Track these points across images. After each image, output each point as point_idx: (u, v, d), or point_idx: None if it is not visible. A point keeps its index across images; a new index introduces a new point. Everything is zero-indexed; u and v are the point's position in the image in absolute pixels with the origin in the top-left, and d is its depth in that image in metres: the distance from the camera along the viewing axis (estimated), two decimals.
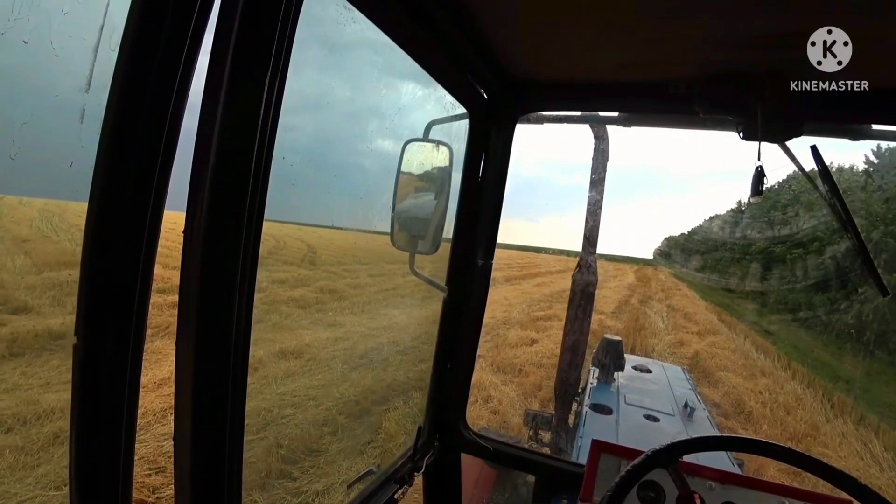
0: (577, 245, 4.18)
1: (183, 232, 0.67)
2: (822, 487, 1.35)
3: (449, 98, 1.51)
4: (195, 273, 0.68)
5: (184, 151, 0.65)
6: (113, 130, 0.59)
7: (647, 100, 1.48)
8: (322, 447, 5.46)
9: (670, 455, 1.29)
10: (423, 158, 1.62)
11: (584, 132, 3.61)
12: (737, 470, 2.87)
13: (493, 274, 1.77)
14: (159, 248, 0.65)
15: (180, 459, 0.73)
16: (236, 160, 0.68)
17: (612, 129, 3.67)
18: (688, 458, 1.33)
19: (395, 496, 1.55)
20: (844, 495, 1.23)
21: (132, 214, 0.61)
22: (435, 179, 1.62)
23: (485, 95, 1.56)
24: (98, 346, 0.62)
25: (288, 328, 9.76)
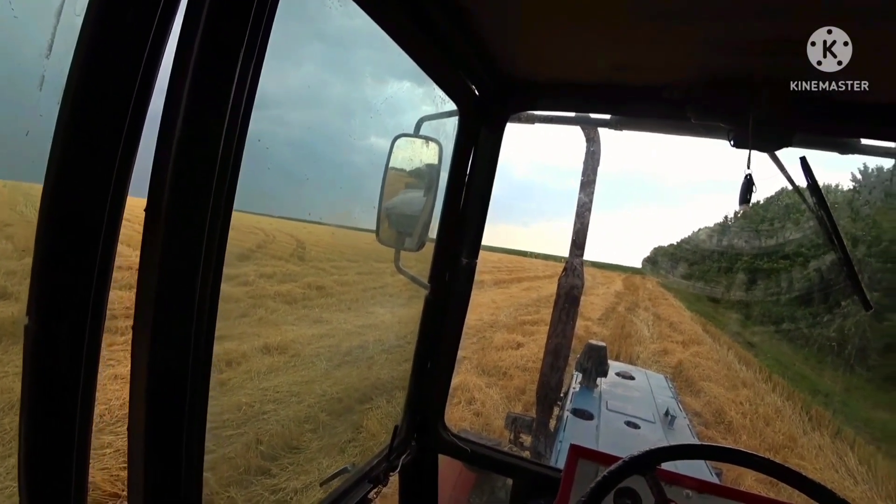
0: (566, 250, 4.17)
1: (144, 210, 0.63)
2: (798, 499, 1.34)
3: (440, 94, 1.49)
4: (154, 260, 0.64)
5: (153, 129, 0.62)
6: (75, 101, 0.55)
7: (640, 103, 1.47)
8: (303, 444, 5.40)
9: (648, 462, 1.28)
10: (413, 154, 1.59)
11: (577, 138, 3.58)
12: (715, 479, 2.88)
13: (482, 276, 1.76)
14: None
15: (134, 456, 0.69)
16: (204, 143, 0.64)
17: (604, 134, 3.68)
18: (666, 465, 1.32)
19: (369, 496, 1.52)
20: None
21: (92, 189, 0.57)
22: (423, 176, 1.59)
23: (476, 93, 1.54)
24: (52, 328, 0.58)
25: (273, 323, 9.65)
